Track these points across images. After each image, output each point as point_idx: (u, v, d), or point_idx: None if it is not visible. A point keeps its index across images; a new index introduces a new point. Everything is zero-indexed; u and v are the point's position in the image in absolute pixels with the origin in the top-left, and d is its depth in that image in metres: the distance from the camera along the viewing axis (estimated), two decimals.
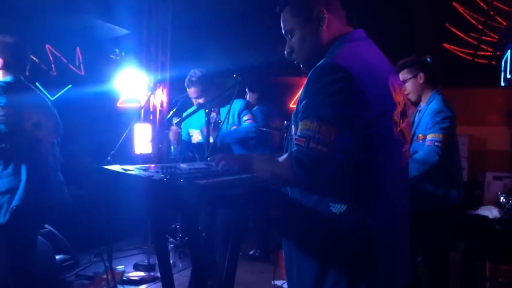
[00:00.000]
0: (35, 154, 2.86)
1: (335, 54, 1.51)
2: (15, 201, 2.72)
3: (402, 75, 3.31)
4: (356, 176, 1.47)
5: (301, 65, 1.71)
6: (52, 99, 5.29)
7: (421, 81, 3.27)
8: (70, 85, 5.79)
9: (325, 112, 1.40)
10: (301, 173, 1.40)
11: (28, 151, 2.82)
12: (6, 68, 2.93)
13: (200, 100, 3.73)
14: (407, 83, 3.29)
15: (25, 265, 2.80)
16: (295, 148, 1.44)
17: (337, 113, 1.39)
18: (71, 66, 6.09)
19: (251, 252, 5.26)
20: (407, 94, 3.29)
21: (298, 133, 1.45)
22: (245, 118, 3.93)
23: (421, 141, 3.17)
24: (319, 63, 1.50)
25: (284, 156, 1.51)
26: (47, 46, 5.75)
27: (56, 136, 3.09)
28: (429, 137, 3.08)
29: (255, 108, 5.22)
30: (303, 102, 1.48)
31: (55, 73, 5.86)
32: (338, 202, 1.48)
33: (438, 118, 3.08)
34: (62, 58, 5.95)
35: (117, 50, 6.27)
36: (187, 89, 3.81)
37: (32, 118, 2.88)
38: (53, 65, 5.85)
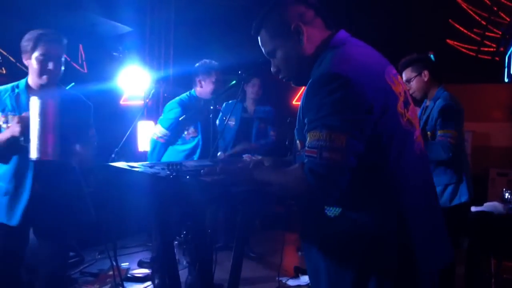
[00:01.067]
0: None
1: (328, 63, 1.50)
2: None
3: (406, 74, 3.28)
4: (374, 176, 1.48)
5: (291, 82, 1.71)
6: None
7: (426, 79, 3.23)
8: (73, 83, 5.78)
9: (332, 121, 1.40)
10: (319, 184, 1.39)
11: None
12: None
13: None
14: (412, 82, 3.26)
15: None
16: (307, 160, 1.42)
17: (344, 119, 1.39)
18: (74, 64, 6.09)
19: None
20: (412, 93, 3.26)
21: (307, 144, 1.44)
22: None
23: (429, 137, 3.16)
24: (315, 76, 1.49)
25: (293, 167, 1.50)
26: None
27: None
28: (440, 132, 3.05)
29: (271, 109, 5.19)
30: (307, 117, 1.47)
31: None
32: (334, 206, 1.48)
33: (448, 114, 3.06)
34: (65, 56, 5.95)
35: (120, 48, 6.28)
36: (214, 73, 3.83)
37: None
38: None
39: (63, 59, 2.74)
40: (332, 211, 1.49)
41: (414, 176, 1.54)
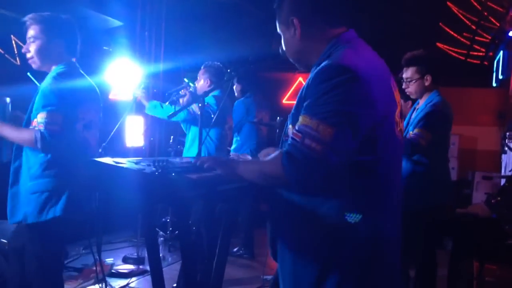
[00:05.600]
0: (81, 158, 2.46)
1: (339, 55, 1.50)
2: (58, 211, 2.44)
3: (410, 72, 3.20)
4: (362, 176, 1.48)
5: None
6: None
7: (427, 84, 3.19)
8: None
9: (326, 112, 1.39)
10: (291, 168, 1.40)
11: (74, 154, 2.48)
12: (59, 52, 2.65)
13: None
14: (412, 83, 3.20)
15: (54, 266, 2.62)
16: (289, 142, 1.43)
17: (340, 113, 1.39)
18: None
19: (235, 250, 5.21)
20: (408, 92, 3.23)
21: (296, 127, 1.44)
22: None
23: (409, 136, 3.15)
24: (324, 64, 1.48)
25: (274, 154, 1.51)
26: None
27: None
28: (415, 131, 3.05)
29: (238, 101, 5.25)
30: (307, 101, 1.46)
31: None
32: (353, 211, 1.47)
33: (431, 117, 3.05)
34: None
35: (110, 42, 6.23)
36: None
37: (85, 118, 2.58)
38: None
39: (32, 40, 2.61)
40: (353, 218, 1.47)
41: (396, 184, 1.58)
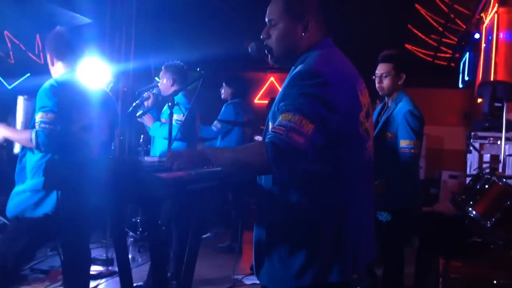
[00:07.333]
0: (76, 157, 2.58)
1: (311, 61, 1.65)
2: (48, 207, 2.62)
3: (386, 67, 3.27)
4: (328, 167, 1.64)
5: (269, 56, 1.79)
6: (9, 87, 5.12)
7: (400, 82, 3.27)
8: (28, 74, 5.60)
9: (306, 109, 1.54)
10: (275, 157, 1.51)
11: (69, 155, 2.63)
12: (60, 62, 2.90)
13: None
14: (387, 78, 3.27)
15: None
16: (271, 135, 1.54)
17: (316, 112, 1.54)
18: (30, 54, 5.89)
19: (221, 245, 5.27)
20: (380, 88, 3.30)
21: (277, 123, 1.56)
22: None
23: (388, 138, 3.21)
24: (299, 69, 1.63)
25: (255, 143, 1.59)
26: (5, 32, 5.56)
27: (110, 132, 3.02)
28: (403, 144, 3.14)
29: (228, 103, 5.24)
30: (283, 102, 1.59)
31: (13, 61, 5.66)
32: (320, 199, 1.64)
33: (412, 123, 3.14)
34: (21, 46, 5.75)
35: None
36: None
37: (82, 120, 2.76)
38: (11, 53, 5.65)
39: None
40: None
41: (359, 178, 1.73)
